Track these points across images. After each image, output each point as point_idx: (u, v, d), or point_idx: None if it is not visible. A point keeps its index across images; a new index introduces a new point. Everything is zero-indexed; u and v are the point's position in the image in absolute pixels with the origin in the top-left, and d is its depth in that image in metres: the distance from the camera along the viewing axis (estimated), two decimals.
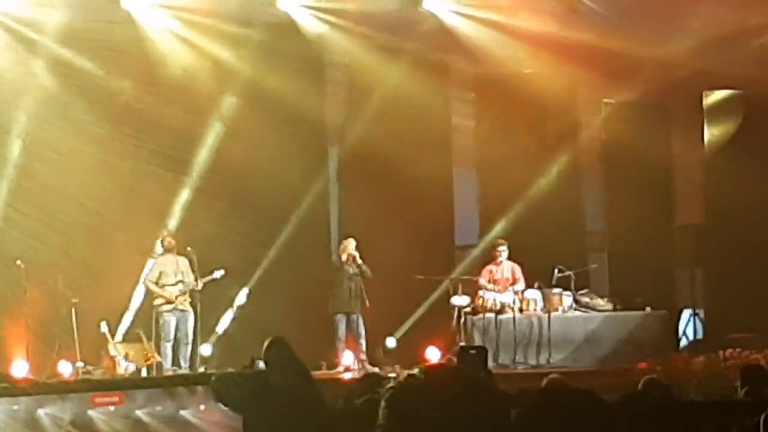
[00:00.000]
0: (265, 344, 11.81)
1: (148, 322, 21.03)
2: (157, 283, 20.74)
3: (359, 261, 21.08)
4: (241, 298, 21.80)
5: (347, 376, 19.48)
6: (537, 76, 23.03)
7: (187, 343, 20.67)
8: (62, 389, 17.94)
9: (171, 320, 20.59)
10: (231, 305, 21.82)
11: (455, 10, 22.45)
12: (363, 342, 21.02)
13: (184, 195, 22.03)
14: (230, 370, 17.22)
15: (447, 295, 21.78)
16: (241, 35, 21.98)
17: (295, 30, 22.25)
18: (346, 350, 21.01)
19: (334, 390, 12.01)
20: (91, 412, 16.80)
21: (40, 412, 16.72)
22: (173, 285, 20.66)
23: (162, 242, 21.19)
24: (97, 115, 21.47)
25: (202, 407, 11.18)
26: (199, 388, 17.96)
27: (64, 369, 19.64)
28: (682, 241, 23.16)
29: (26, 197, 21.26)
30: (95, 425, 16.06)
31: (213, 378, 11.68)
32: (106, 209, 21.07)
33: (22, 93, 21.43)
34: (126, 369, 20.18)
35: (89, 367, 20.07)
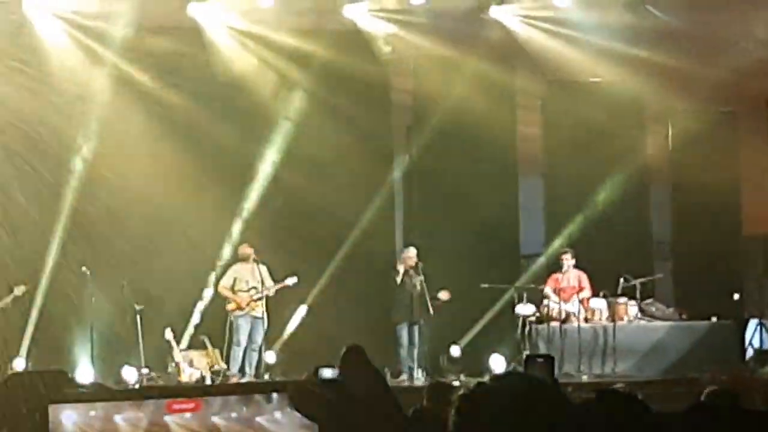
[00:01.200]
0: (342, 352, 11.73)
1: (212, 329, 21.16)
2: (231, 289, 20.87)
3: (420, 270, 21.07)
4: (304, 308, 21.83)
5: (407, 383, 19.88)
6: (604, 85, 23.10)
7: (255, 350, 20.86)
8: (138, 396, 18.10)
9: (244, 326, 20.76)
10: (295, 313, 21.89)
11: (522, 19, 22.57)
12: (415, 351, 20.99)
13: (249, 203, 22.11)
14: (295, 377, 17.16)
15: (512, 304, 21.72)
16: (307, 45, 22.05)
17: (362, 39, 22.44)
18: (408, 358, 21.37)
19: (400, 398, 12.01)
20: (167, 418, 16.91)
21: (117, 418, 16.86)
22: (246, 291, 20.79)
23: (237, 250, 21.28)
24: (161, 124, 21.64)
25: (277, 414, 11.33)
26: (275, 395, 18.01)
27: (129, 375, 19.92)
28: (749, 251, 22.81)
29: (92, 205, 21.35)
30: (172, 431, 16.18)
31: (289, 385, 11.62)
32: (170, 216, 21.16)
33: (88, 103, 21.58)
34: (190, 376, 20.38)
35: (154, 374, 20.36)
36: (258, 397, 19.45)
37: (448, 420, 4.96)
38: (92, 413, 16.48)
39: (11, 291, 20.46)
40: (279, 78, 22.53)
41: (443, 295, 21.09)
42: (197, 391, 19.59)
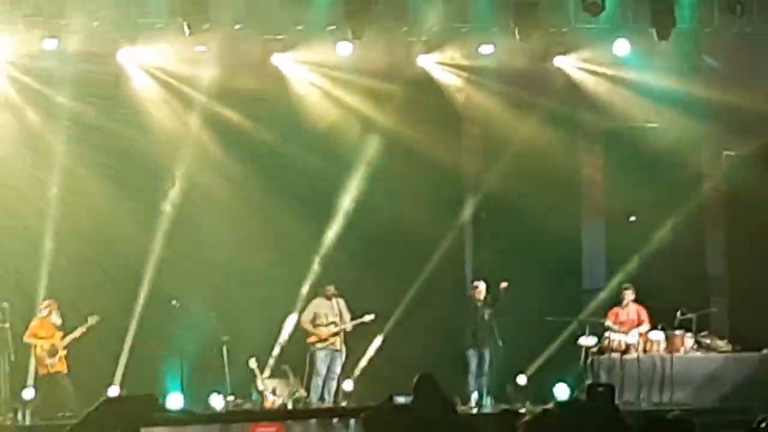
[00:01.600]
0: (415, 380, 11.91)
1: (292, 358, 21.76)
2: (312, 323, 21.55)
3: (490, 302, 21.57)
4: (380, 338, 22.26)
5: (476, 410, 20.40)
6: (662, 130, 23.33)
7: (333, 379, 21.44)
8: (224, 419, 18.86)
9: (324, 357, 21.38)
10: (372, 343, 22.33)
11: (583, 67, 22.99)
12: (483, 379, 21.38)
13: (328, 237, 22.54)
14: (371, 404, 17.17)
15: (575, 336, 22.01)
16: (382, 90, 22.63)
17: (434, 86, 22.97)
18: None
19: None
20: None
21: None
22: (326, 326, 21.44)
23: (320, 290, 21.73)
24: (246, 163, 22.31)
25: None
26: (351, 421, 18.76)
27: (216, 402, 20.67)
28: None
29: (181, 240, 22.09)
30: None
31: (365, 411, 12.12)
32: (254, 251, 21.75)
33: (178, 143, 22.29)
34: (273, 403, 21.04)
35: (239, 401, 21.09)
36: (335, 422, 20.38)
37: None
38: None
39: (86, 321, 20.92)
40: (358, 121, 23.02)
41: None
42: (279, 414, 20.33)
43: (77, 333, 21.04)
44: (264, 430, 15.74)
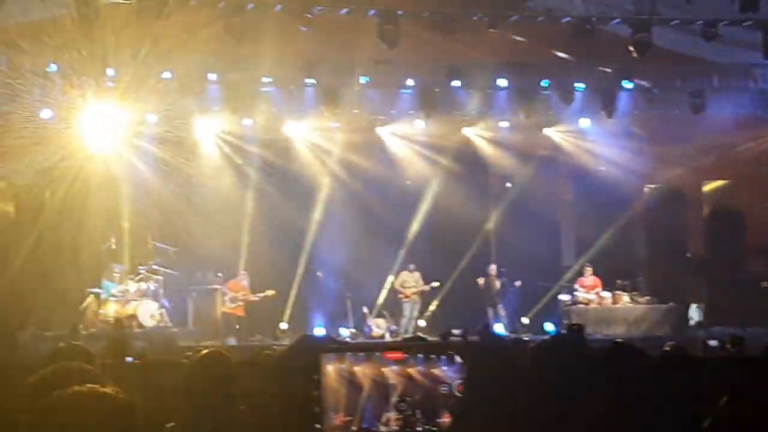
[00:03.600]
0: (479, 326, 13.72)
1: (389, 306, 23.39)
2: (401, 286, 23.37)
3: (499, 278, 22.87)
4: (439, 297, 23.42)
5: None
6: (607, 171, 24.16)
7: (413, 319, 23.14)
8: (382, 347, 18.41)
9: (407, 307, 23.20)
10: (435, 300, 23.70)
11: (560, 134, 24.40)
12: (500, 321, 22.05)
13: (410, 234, 24.23)
14: (435, 335, 17.67)
15: (556, 294, 23.25)
16: (442, 147, 24.31)
17: (472, 146, 24.64)
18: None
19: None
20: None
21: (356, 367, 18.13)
22: (408, 288, 23.34)
23: (406, 267, 23.44)
24: (362, 190, 23.77)
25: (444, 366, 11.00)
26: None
27: (344, 333, 21.98)
28: None
29: (324, 238, 23.61)
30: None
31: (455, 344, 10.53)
32: (367, 243, 23.03)
33: (320, 176, 23.76)
34: (377, 334, 22.36)
35: (357, 332, 22.35)
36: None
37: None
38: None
39: (264, 292, 22.38)
40: (427, 165, 24.47)
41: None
42: (400, 346, 20.44)
43: (258, 297, 22.33)
44: (393, 356, 14.38)
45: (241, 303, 22.33)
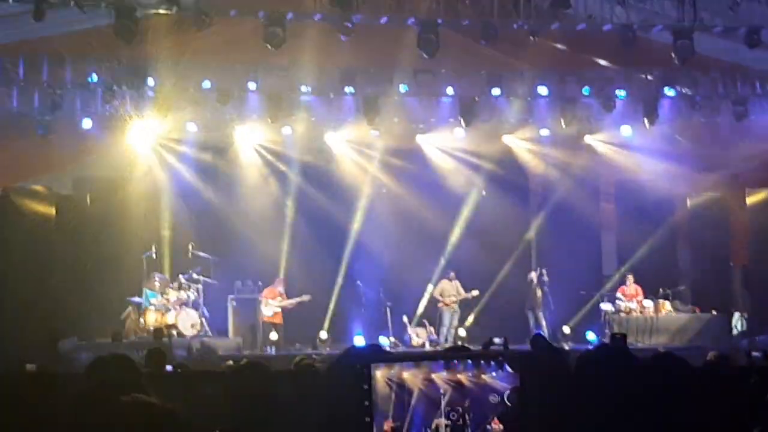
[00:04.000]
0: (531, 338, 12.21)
1: (429, 315, 23.18)
2: (440, 295, 23.22)
3: (542, 283, 22.63)
4: (479, 305, 23.22)
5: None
6: (651, 180, 24.06)
7: (452, 328, 23.04)
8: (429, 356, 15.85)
9: (447, 315, 23.06)
10: (475, 308, 23.54)
11: (602, 142, 24.24)
12: (541, 329, 21.71)
13: (450, 243, 24.21)
14: (476, 344, 17.01)
15: (598, 303, 23.10)
16: (482, 156, 24.51)
17: (512, 154, 24.73)
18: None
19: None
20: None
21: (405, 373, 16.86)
22: (448, 297, 23.19)
23: (445, 275, 23.33)
24: (406, 196, 23.93)
25: (494, 373, 10.67)
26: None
27: (383, 342, 21.52)
28: None
29: (362, 246, 23.63)
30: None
31: (509, 353, 10.14)
32: (406, 252, 23.32)
33: (361, 183, 23.99)
34: (417, 343, 22.51)
35: (397, 341, 22.36)
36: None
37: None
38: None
39: (300, 296, 22.37)
40: (468, 173, 24.57)
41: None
42: (451, 354, 18.63)
43: (294, 301, 22.26)
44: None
45: (278, 310, 22.31)
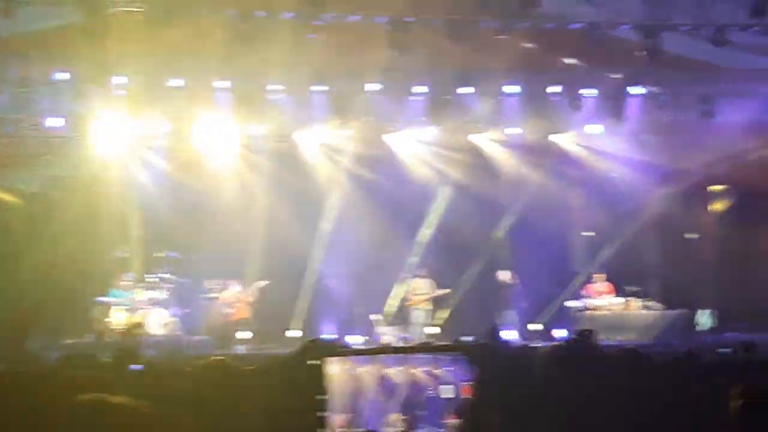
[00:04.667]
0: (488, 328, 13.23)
1: (398, 314, 22.97)
2: (412, 293, 22.97)
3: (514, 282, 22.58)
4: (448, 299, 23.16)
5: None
6: (617, 177, 24.34)
7: (422, 326, 22.60)
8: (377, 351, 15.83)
9: (418, 313, 22.85)
10: (446, 307, 23.46)
11: (569, 140, 24.28)
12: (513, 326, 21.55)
13: (420, 242, 24.06)
14: (446, 341, 18.21)
15: (566, 300, 22.95)
16: (451, 155, 24.26)
17: (480, 152, 24.38)
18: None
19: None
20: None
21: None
22: (419, 295, 22.92)
23: (417, 273, 23.14)
24: (372, 198, 23.84)
25: (450, 367, 9.58)
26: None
27: (353, 341, 21.18)
28: None
29: (335, 245, 23.37)
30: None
31: (466, 347, 10.37)
32: (377, 251, 23.30)
33: (333, 183, 23.92)
34: (386, 340, 21.80)
35: (367, 339, 21.88)
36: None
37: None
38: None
39: (257, 283, 21.89)
40: (438, 173, 24.37)
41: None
42: (405, 350, 17.35)
43: (253, 291, 22.07)
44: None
45: (239, 306, 22.19)
